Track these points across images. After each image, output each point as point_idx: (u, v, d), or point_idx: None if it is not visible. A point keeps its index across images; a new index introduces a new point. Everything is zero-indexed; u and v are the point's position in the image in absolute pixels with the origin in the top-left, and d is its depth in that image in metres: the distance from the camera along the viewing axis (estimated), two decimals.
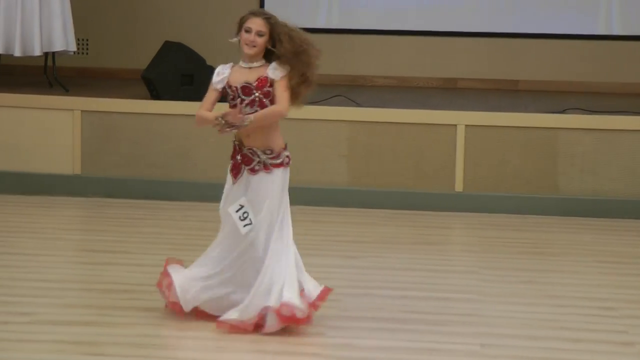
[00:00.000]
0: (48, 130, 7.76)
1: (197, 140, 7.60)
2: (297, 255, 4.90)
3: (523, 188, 7.46)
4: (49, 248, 6.35)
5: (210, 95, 4.89)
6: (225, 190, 4.92)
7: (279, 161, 4.85)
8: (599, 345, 4.85)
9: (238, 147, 4.87)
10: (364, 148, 7.57)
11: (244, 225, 4.79)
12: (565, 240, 6.79)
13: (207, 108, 4.86)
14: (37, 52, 8.06)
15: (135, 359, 4.58)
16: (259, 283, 4.77)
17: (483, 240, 6.76)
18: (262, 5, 9.20)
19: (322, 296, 4.90)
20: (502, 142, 7.47)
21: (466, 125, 7.48)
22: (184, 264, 5.06)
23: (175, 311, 4.94)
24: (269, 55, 4.84)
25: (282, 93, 4.79)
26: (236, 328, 4.78)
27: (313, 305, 4.84)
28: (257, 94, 4.81)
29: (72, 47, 8.25)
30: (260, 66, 4.83)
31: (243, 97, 4.81)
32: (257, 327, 4.78)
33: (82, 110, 7.76)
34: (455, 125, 7.49)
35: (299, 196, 7.47)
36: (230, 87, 4.84)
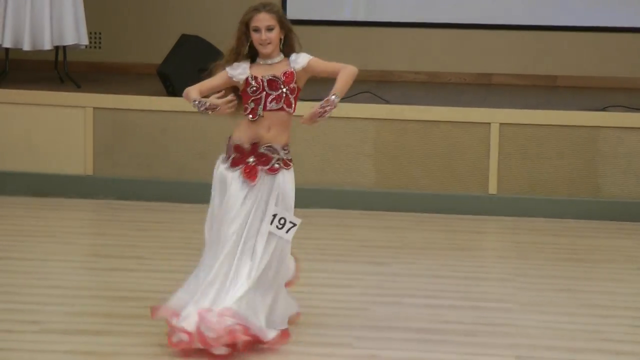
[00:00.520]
0: (58, 129, 7.79)
1: (215, 139, 7.59)
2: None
3: (561, 190, 7.44)
4: (59, 253, 6.37)
5: (214, 80, 4.80)
6: (230, 203, 4.73)
7: (290, 157, 4.84)
8: None
9: (250, 148, 4.80)
10: (391, 147, 7.56)
11: (287, 231, 4.74)
12: (606, 246, 6.76)
13: (201, 90, 4.79)
14: (48, 46, 8.09)
15: None
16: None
17: (518, 245, 6.74)
18: None
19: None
20: (539, 142, 7.45)
21: (501, 124, 7.46)
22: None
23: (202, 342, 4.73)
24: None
25: (327, 62, 4.76)
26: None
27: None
28: (284, 89, 4.77)
29: (84, 40, 8.28)
30: (281, 61, 4.81)
31: (270, 91, 4.77)
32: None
33: (94, 108, 7.79)
34: (489, 123, 7.47)
35: (323, 199, 7.52)
36: (255, 78, 4.77)
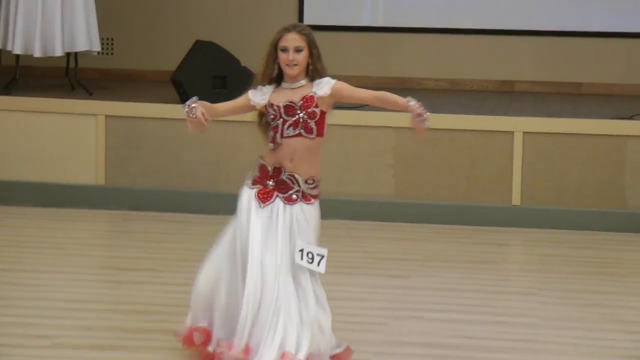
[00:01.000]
0: (69, 137, 7.82)
1: (230, 148, 7.62)
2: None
3: (587, 201, 7.42)
4: (71, 265, 6.39)
5: (236, 102, 4.81)
6: (242, 219, 4.72)
7: (317, 192, 4.78)
8: None
9: (272, 171, 4.76)
10: (412, 157, 7.56)
11: (319, 264, 4.70)
12: (634, 259, 6.75)
13: (221, 108, 4.80)
14: (59, 52, 8.12)
15: None
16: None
17: (543, 258, 6.73)
18: (301, 4, 9.22)
19: None
20: (563, 151, 7.44)
21: (524, 132, 7.45)
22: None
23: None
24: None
25: (356, 89, 4.75)
26: None
27: None
28: (301, 114, 4.71)
29: (96, 46, 8.30)
30: (304, 85, 4.76)
31: (285, 117, 4.71)
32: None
33: (106, 115, 7.81)
34: (512, 132, 7.46)
35: (341, 210, 7.52)
36: (272, 105, 4.73)
